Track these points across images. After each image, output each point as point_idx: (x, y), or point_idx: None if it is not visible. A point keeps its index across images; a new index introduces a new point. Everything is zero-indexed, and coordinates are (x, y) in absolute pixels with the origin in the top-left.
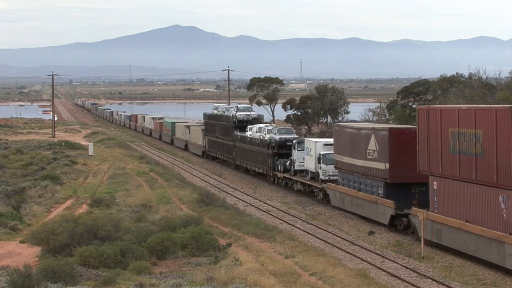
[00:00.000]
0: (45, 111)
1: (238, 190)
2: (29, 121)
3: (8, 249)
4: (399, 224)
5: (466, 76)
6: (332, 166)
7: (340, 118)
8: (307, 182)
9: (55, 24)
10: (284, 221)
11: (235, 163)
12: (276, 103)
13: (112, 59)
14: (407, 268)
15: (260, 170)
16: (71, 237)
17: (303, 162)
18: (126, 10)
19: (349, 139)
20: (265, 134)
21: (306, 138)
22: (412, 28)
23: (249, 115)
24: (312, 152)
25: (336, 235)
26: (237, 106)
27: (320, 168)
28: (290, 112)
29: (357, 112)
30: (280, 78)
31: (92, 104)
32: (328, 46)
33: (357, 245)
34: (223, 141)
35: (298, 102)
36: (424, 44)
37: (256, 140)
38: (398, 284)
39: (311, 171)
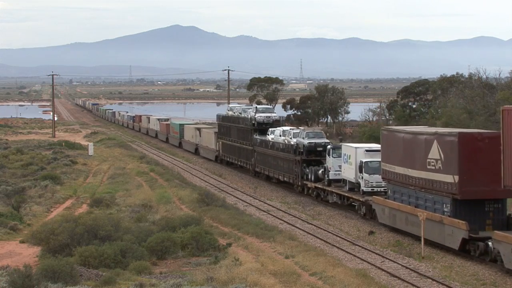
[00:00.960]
0: (45, 111)
1: (238, 190)
2: (29, 121)
3: (8, 249)
4: (474, 250)
5: (466, 76)
6: (376, 176)
7: (340, 118)
8: (346, 194)
9: (55, 24)
10: (284, 221)
11: (255, 169)
12: (276, 103)
13: (112, 59)
14: (407, 268)
15: (285, 179)
16: (71, 237)
17: (339, 171)
18: (126, 10)
19: (402, 146)
20: (290, 138)
21: (343, 144)
22: (412, 28)
23: (269, 117)
24: (352, 160)
25: (336, 235)
26: (256, 107)
27: (362, 178)
28: (290, 112)
29: (357, 112)
30: (280, 78)
31: (93, 104)
32: (328, 46)
33: (357, 245)
34: (240, 145)
35: (298, 102)
36: (424, 44)
37: (280, 145)
38: (398, 284)
39: (350, 181)
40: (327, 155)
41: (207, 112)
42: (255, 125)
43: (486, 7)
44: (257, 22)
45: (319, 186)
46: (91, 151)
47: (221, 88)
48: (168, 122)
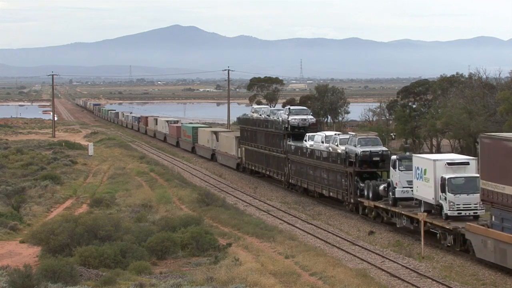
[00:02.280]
0: (45, 111)
1: (238, 190)
2: (29, 121)
3: (8, 249)
4: None
5: (466, 76)
6: (464, 196)
7: (340, 118)
8: (428, 220)
9: (55, 24)
10: (284, 221)
11: (289, 181)
12: (276, 103)
13: (112, 59)
14: (407, 268)
15: (331, 194)
16: (71, 237)
17: (408, 187)
18: (126, 10)
19: None
20: (337, 145)
21: (415, 154)
22: (412, 28)
23: (305, 119)
24: (429, 175)
25: (336, 235)
26: (289, 108)
27: (445, 199)
28: None
29: (357, 112)
30: (280, 78)
31: (94, 104)
32: (328, 46)
33: (357, 245)
34: (269, 152)
35: (298, 102)
36: (424, 44)
37: (322, 153)
38: (398, 284)
39: (426, 202)
40: (391, 168)
41: (207, 112)
42: (288, 129)
43: (486, 7)
44: (257, 22)
45: (382, 206)
46: (91, 151)
47: (221, 88)
48: (179, 125)
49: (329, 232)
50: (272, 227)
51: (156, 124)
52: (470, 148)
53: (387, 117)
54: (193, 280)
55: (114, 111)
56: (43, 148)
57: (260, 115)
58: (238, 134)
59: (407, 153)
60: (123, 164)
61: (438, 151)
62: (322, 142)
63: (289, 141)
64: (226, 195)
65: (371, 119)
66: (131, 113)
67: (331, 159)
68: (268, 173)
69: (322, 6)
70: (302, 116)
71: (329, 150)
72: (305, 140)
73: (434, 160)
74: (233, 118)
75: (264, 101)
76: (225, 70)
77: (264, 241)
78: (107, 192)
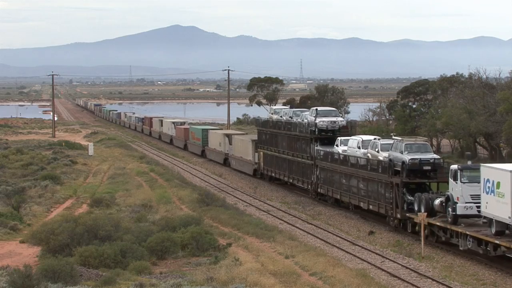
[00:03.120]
0: (45, 111)
1: (238, 190)
2: (29, 121)
3: (8, 249)
4: None
5: (466, 76)
6: None
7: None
8: (498, 242)
9: (55, 24)
10: (284, 221)
11: (317, 190)
12: (276, 103)
13: (112, 59)
14: (407, 268)
15: (370, 207)
16: (71, 237)
17: (473, 203)
18: (126, 10)
19: None
20: (377, 151)
21: (484, 164)
22: (412, 28)
23: (335, 122)
24: (504, 189)
25: (336, 235)
26: (316, 110)
27: None
28: None
29: (357, 112)
30: (280, 78)
31: (95, 105)
32: (328, 46)
33: (357, 245)
34: (293, 157)
35: (298, 102)
36: (424, 44)
37: (359, 160)
38: (398, 284)
39: (499, 222)
40: (451, 179)
41: (207, 112)
42: (316, 132)
43: (486, 7)
44: (257, 22)
45: (439, 224)
46: (91, 151)
47: (221, 88)
48: (187, 127)
49: (329, 232)
50: (272, 227)
51: (162, 125)
52: (470, 148)
53: (387, 117)
54: (193, 280)
55: (116, 112)
56: (43, 148)
57: (281, 116)
58: (254, 137)
59: (470, 162)
60: (123, 164)
61: (438, 151)
62: (359, 148)
63: (317, 146)
64: (226, 195)
65: (371, 119)
66: (133, 113)
67: (370, 167)
68: (291, 180)
69: (322, 6)
70: (331, 118)
71: (368, 156)
72: (337, 145)
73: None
74: (233, 118)
75: (264, 101)
76: (225, 70)
77: (264, 241)
78: (107, 192)
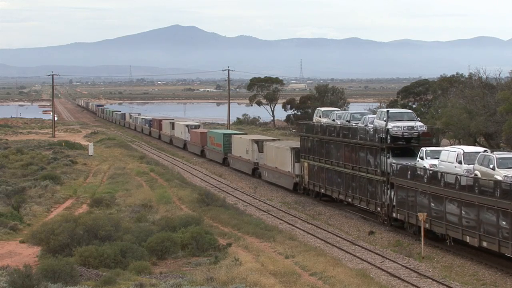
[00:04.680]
0: (45, 111)
1: (238, 190)
2: (29, 121)
3: (8, 249)
4: None
5: (466, 76)
6: None
7: None
8: None
9: (55, 24)
10: (284, 221)
11: (391, 215)
12: (276, 103)
13: (112, 59)
14: (407, 268)
15: (485, 244)
16: (71, 237)
17: None
18: (126, 10)
19: None
20: (492, 168)
21: None
22: (412, 28)
23: (413, 127)
24: None
25: (336, 235)
26: (387, 112)
27: None
28: (290, 112)
29: None
30: (280, 78)
31: (97, 105)
32: (328, 46)
33: (357, 245)
34: (353, 171)
35: (298, 102)
36: (424, 44)
37: (460, 180)
38: (398, 284)
39: None
40: None
41: (207, 112)
42: (387, 140)
43: (486, 7)
44: (257, 22)
45: None
46: (91, 151)
47: (221, 88)
48: (204, 130)
49: (329, 232)
50: (272, 227)
51: (173, 128)
52: None
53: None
54: (193, 280)
55: (119, 113)
56: (43, 148)
57: (333, 120)
58: (295, 144)
59: None
60: (123, 164)
61: None
62: (459, 162)
63: (389, 157)
64: (226, 195)
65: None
66: (139, 114)
67: (480, 189)
68: (349, 200)
69: (322, 6)
70: (407, 123)
71: (476, 175)
72: (421, 158)
73: None
74: (233, 118)
75: (264, 101)
76: (225, 70)
77: (264, 241)
78: (107, 192)
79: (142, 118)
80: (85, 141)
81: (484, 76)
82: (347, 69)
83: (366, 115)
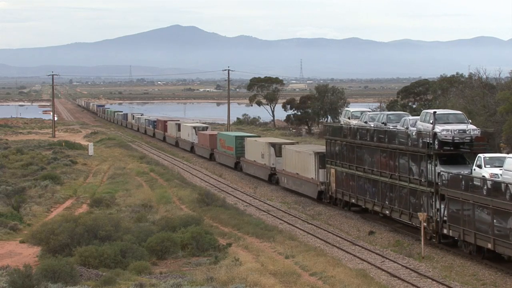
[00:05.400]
0: (45, 111)
1: (238, 190)
2: (29, 121)
3: (8, 249)
4: None
5: (466, 76)
6: None
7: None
8: None
9: (55, 24)
10: (284, 221)
11: (440, 231)
12: (276, 103)
13: (112, 59)
14: (407, 268)
15: None
16: (71, 237)
17: None
18: (126, 10)
19: None
20: None
21: None
22: (412, 28)
23: (464, 131)
24: None
25: (336, 235)
26: (434, 113)
27: None
28: (290, 112)
29: None
30: (280, 78)
31: (98, 106)
32: (328, 46)
33: (357, 245)
34: (392, 180)
35: (298, 102)
36: (424, 44)
37: None
38: (398, 284)
39: None
40: None
41: (207, 112)
42: (435, 146)
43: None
44: (257, 22)
45: None
46: (91, 151)
47: (221, 88)
48: (213, 132)
49: (329, 232)
50: (272, 227)
51: (179, 130)
52: None
53: None
54: (193, 280)
55: (121, 113)
56: (43, 148)
57: (366, 122)
58: (318, 148)
59: None
60: (123, 164)
61: None
62: None
63: (436, 165)
64: (226, 195)
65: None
66: (142, 114)
67: None
68: (386, 212)
69: (322, 6)
70: (457, 126)
71: None
72: (478, 166)
73: None
74: (233, 118)
75: (264, 101)
76: (225, 70)
77: (264, 241)
78: (107, 192)
79: (145, 119)
80: (85, 141)
81: (484, 76)
82: (347, 69)
83: (405, 116)
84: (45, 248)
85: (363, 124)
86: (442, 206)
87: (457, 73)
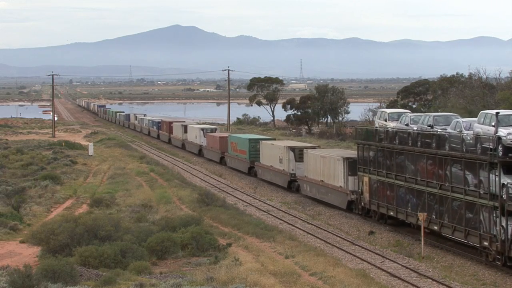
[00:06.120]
0: (45, 111)
1: (238, 190)
2: (29, 121)
3: (8, 249)
4: None
5: (466, 76)
6: None
7: (340, 118)
8: None
9: (55, 24)
10: (284, 221)
11: (507, 253)
12: (276, 103)
13: (112, 59)
14: (407, 268)
15: None
16: (71, 237)
17: None
18: (126, 10)
19: None
20: None
21: None
22: (412, 28)
23: None
24: None
25: (336, 235)
26: (496, 115)
27: None
28: (290, 112)
29: (357, 112)
30: (280, 78)
31: (99, 106)
32: (328, 46)
33: (357, 245)
34: (440, 191)
35: (298, 102)
36: (424, 44)
37: None
38: (398, 284)
39: None
40: None
41: (207, 112)
42: (499, 152)
43: (487, 7)
44: (257, 22)
45: None
46: (91, 151)
47: (221, 88)
48: (224, 135)
49: (329, 232)
50: (272, 227)
51: (185, 132)
52: None
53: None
54: (193, 280)
55: (123, 114)
56: (43, 148)
57: (407, 124)
58: (346, 153)
59: None
60: (123, 164)
61: None
62: None
63: (502, 175)
64: (226, 195)
65: (371, 119)
66: (145, 115)
67: None
68: (435, 227)
69: (322, 6)
70: None
71: None
72: None
73: None
74: (233, 118)
75: (264, 101)
76: (225, 70)
77: (264, 241)
78: (107, 192)
79: (149, 120)
80: (85, 141)
81: (484, 76)
82: (347, 69)
83: (456, 118)
84: (45, 248)
85: (403, 127)
86: (510, 223)
87: (457, 73)
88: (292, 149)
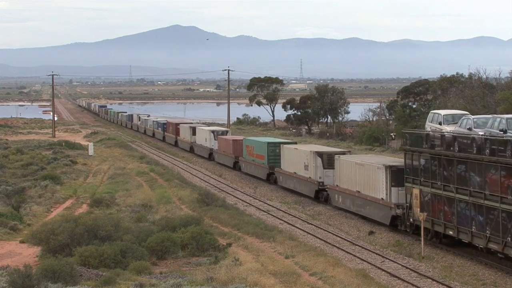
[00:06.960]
0: (45, 111)
1: (238, 190)
2: (29, 121)
3: (8, 249)
4: None
5: (466, 76)
6: None
7: (340, 118)
8: None
9: (55, 24)
10: (284, 221)
11: None
12: (276, 103)
13: (112, 59)
14: (407, 268)
15: None
16: (71, 237)
17: None
18: (126, 10)
19: None
20: None
21: None
22: (412, 28)
23: None
24: None
25: (336, 235)
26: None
27: None
28: (290, 112)
29: (357, 112)
30: (280, 78)
31: (100, 106)
32: (328, 46)
33: (357, 245)
34: None
35: (298, 102)
36: (424, 44)
37: None
38: (398, 284)
39: None
40: None
41: (207, 112)
42: None
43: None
44: (257, 22)
45: None
46: (91, 151)
47: (221, 88)
48: (238, 138)
49: (329, 232)
50: (272, 227)
51: (194, 134)
52: None
53: (387, 117)
54: (193, 280)
55: (126, 114)
56: (43, 148)
57: (469, 129)
58: (388, 161)
59: None
60: (123, 164)
61: None
62: None
63: None
64: (226, 195)
65: (371, 119)
66: (149, 116)
67: None
68: (506, 252)
69: (322, 6)
70: None
71: None
72: None
73: None
74: (233, 118)
75: (264, 101)
76: (225, 70)
77: (264, 241)
78: (107, 192)
79: (153, 121)
80: (85, 141)
81: (484, 76)
82: (347, 69)
83: None
84: (45, 248)
85: (465, 131)
86: None
87: (457, 73)
88: (320, 154)
